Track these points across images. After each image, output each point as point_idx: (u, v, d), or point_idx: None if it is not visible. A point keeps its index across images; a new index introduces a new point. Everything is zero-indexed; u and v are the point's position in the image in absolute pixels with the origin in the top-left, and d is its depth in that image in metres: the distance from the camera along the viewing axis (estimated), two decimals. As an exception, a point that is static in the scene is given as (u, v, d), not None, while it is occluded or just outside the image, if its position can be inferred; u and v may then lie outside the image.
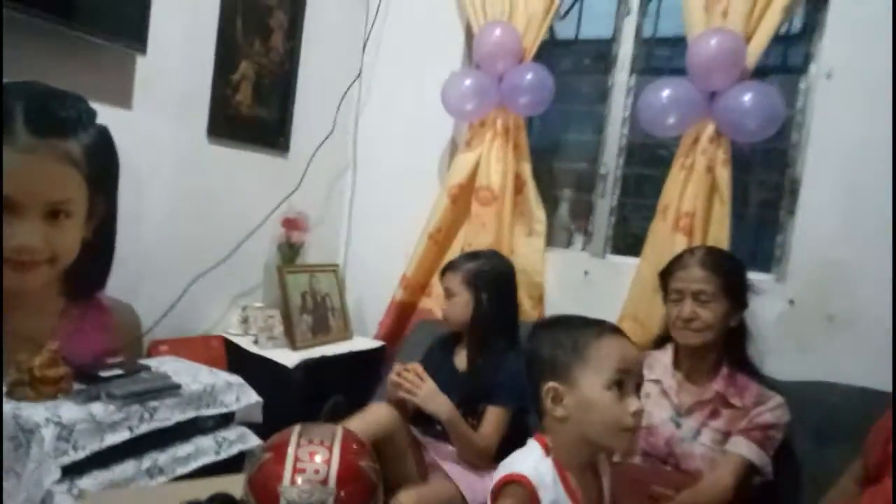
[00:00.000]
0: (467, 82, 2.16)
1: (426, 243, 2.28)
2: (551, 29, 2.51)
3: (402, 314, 2.35)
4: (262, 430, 1.44)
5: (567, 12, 2.45)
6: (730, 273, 1.53)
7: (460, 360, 1.71)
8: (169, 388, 1.29)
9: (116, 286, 1.55)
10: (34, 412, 1.09)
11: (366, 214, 2.56)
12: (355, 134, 2.54)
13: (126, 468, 1.18)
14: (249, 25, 2.02)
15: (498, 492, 0.96)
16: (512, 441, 1.09)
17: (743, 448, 1.43)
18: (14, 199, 1.16)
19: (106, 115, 1.32)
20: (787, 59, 2.19)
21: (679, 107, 1.89)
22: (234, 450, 1.39)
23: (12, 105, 1.15)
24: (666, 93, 1.90)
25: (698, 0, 1.90)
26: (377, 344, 2.31)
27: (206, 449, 1.34)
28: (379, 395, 1.86)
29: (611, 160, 2.25)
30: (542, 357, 1.00)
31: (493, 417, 1.55)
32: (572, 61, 2.56)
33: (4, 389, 1.16)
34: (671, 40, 2.25)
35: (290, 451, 0.86)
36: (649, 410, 1.55)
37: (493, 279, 1.68)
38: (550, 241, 2.31)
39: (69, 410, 1.12)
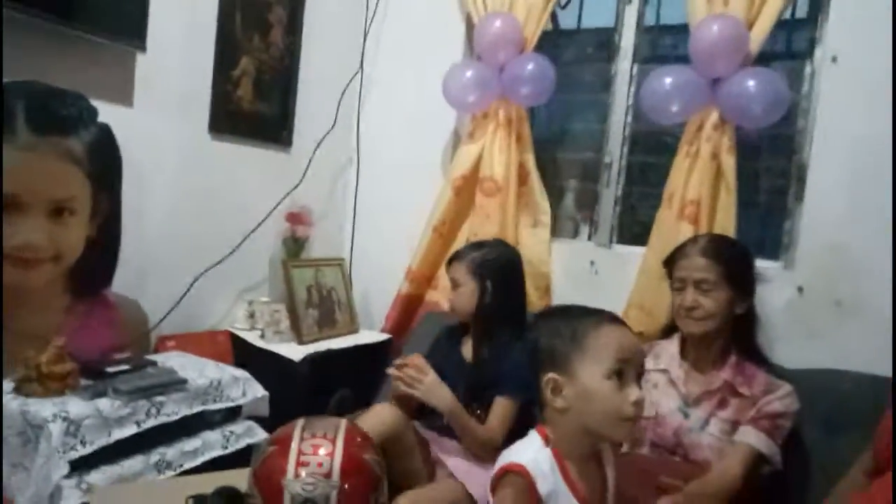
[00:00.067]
0: (468, 73, 2.15)
1: (431, 236, 2.28)
2: (555, 19, 2.49)
3: (409, 307, 2.35)
4: (269, 423, 1.45)
5: (568, 2, 2.43)
6: (732, 261, 1.51)
7: (467, 350, 1.70)
8: (175, 383, 1.29)
9: (122, 283, 1.56)
10: (42, 408, 1.10)
11: (370, 208, 2.56)
12: (358, 127, 2.54)
13: (134, 463, 1.19)
14: (248, 21, 2.02)
15: (497, 481, 0.96)
16: (520, 433, 1.08)
17: (751, 437, 1.41)
18: (18, 197, 1.17)
19: (107, 112, 1.33)
20: (792, 44, 2.17)
21: (682, 94, 1.88)
22: (242, 443, 1.40)
23: (13, 104, 1.16)
24: (669, 80, 1.88)
25: (700, -13, 1.89)
26: (384, 337, 2.31)
27: (213, 443, 1.35)
28: (385, 389, 1.86)
29: (615, 149, 2.23)
30: (541, 348, 1.00)
31: (500, 409, 1.54)
32: (575, 51, 2.54)
33: (13, 386, 1.17)
34: (674, 28, 2.23)
35: (294, 444, 0.87)
36: (657, 400, 1.54)
37: (500, 268, 1.67)
38: (556, 231, 2.30)
39: (76, 406, 1.13)
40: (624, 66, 2.21)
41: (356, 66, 2.48)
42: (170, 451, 1.25)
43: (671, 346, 1.61)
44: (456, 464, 1.51)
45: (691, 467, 1.44)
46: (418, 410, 1.59)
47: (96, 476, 1.13)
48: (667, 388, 1.56)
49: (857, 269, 1.81)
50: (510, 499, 0.92)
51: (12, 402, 1.12)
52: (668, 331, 1.66)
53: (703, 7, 1.89)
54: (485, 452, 1.50)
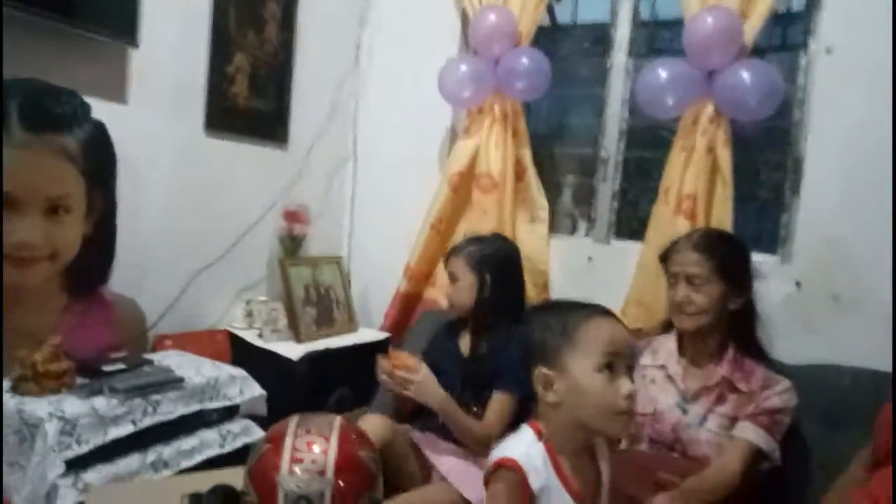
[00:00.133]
0: (463, 68, 2.15)
1: (428, 233, 2.27)
2: (552, 13, 2.49)
3: (408, 305, 2.35)
4: (268, 423, 1.44)
5: (563, -5, 2.42)
6: (725, 255, 1.50)
7: (465, 345, 1.69)
8: (171, 382, 1.29)
9: (119, 282, 1.56)
10: (37, 407, 1.10)
11: (368, 205, 2.55)
12: (355, 124, 2.53)
13: (131, 462, 1.19)
14: (242, 17, 2.02)
15: (489, 476, 0.96)
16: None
17: (750, 433, 1.41)
18: (12, 196, 1.16)
19: (101, 109, 1.32)
20: (787, 36, 2.17)
21: (677, 87, 1.88)
22: (239, 443, 1.39)
23: (6, 101, 1.15)
24: (663, 73, 1.88)
25: (694, -21, 1.88)
26: (382, 335, 2.30)
27: (210, 442, 1.34)
28: (381, 390, 1.86)
29: (611, 144, 2.23)
30: (532, 342, 0.99)
31: (497, 404, 1.54)
32: (571, 46, 2.54)
33: (10, 385, 1.16)
34: (669, 23, 2.23)
35: (288, 441, 0.86)
36: (655, 396, 1.54)
37: (498, 262, 1.66)
38: (554, 227, 2.29)
39: (72, 405, 1.12)
40: (619, 59, 2.21)
41: (352, 61, 2.48)
42: (166, 450, 1.25)
43: (669, 341, 1.60)
44: (452, 464, 1.50)
45: (690, 463, 1.43)
46: (416, 410, 1.58)
47: (93, 475, 1.12)
48: (665, 383, 1.55)
49: (855, 263, 1.80)
50: (502, 493, 0.92)
51: (9, 402, 1.11)
52: (667, 326, 1.64)
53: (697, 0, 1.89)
54: (482, 448, 1.49)
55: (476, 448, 1.51)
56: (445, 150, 2.41)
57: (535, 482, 0.91)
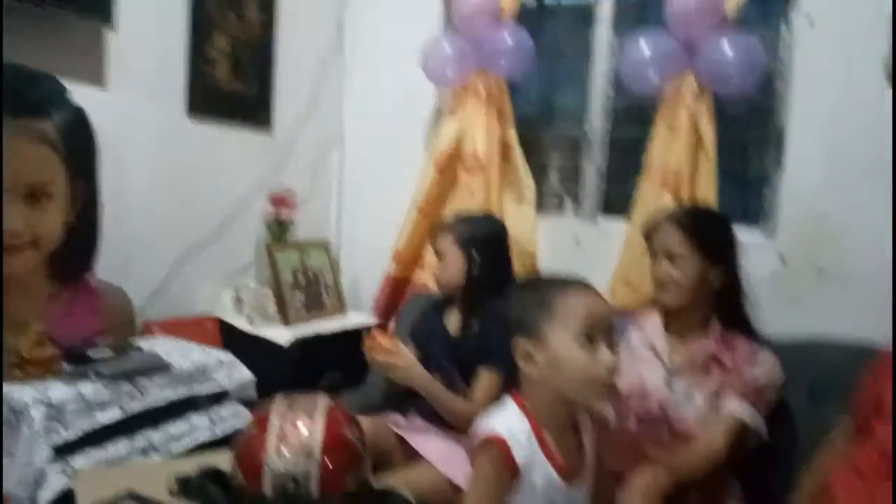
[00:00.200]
0: (445, 46, 2.13)
1: (415, 216, 2.27)
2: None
3: (397, 288, 2.35)
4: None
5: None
6: (705, 231, 1.49)
7: (451, 324, 1.69)
8: (159, 367, 1.29)
9: (104, 269, 1.54)
10: (23, 393, 1.09)
11: (355, 188, 2.54)
12: (340, 107, 2.51)
13: (120, 447, 1.19)
14: (222, -3, 1.98)
15: (475, 451, 0.96)
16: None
17: (735, 408, 1.42)
18: (-6, 183, 1.15)
19: (79, 94, 1.29)
20: (770, 7, 2.15)
21: (658, 59, 1.87)
22: (229, 427, 1.39)
23: (-20, 87, 1.13)
24: (645, 44, 1.88)
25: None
26: (372, 319, 2.31)
27: (200, 427, 1.35)
28: (372, 374, 1.87)
29: (597, 122, 2.22)
30: (513, 316, 1.00)
31: (485, 381, 1.54)
32: (554, 24, 2.51)
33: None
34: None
35: (275, 421, 0.86)
36: (642, 372, 1.55)
37: (486, 239, 1.66)
38: (542, 207, 2.29)
39: (58, 390, 1.12)
40: (602, 35, 2.19)
41: (335, 42, 2.44)
42: (156, 436, 1.25)
43: (655, 318, 1.61)
44: (437, 446, 1.50)
45: (678, 440, 1.45)
46: (406, 393, 1.58)
47: (82, 460, 1.12)
48: (652, 360, 1.56)
49: (839, 236, 1.82)
50: (488, 468, 0.93)
51: (-3, 389, 1.11)
52: (654, 304, 1.66)
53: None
54: (468, 426, 1.50)
55: (465, 427, 1.51)
56: (432, 130, 2.40)
57: (518, 455, 0.92)
